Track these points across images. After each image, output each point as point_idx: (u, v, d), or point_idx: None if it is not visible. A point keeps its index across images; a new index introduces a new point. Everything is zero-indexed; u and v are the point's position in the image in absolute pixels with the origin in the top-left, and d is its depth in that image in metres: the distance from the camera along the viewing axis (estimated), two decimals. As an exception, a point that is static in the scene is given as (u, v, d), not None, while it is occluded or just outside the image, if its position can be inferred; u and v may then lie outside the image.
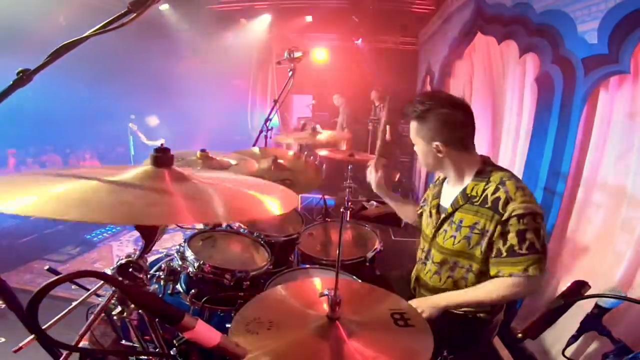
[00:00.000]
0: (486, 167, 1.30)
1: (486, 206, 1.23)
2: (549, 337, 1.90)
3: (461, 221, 1.29)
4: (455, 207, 1.31)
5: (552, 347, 1.90)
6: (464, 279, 1.31)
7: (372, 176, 1.71)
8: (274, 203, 0.79)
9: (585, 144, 1.90)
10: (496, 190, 1.23)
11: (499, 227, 1.20)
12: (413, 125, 1.33)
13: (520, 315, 2.16)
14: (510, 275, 1.19)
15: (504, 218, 1.19)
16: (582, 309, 0.96)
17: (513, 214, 1.17)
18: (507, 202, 1.19)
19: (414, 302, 1.29)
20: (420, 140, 1.34)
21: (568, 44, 1.95)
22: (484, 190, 1.26)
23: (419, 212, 1.63)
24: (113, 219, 0.61)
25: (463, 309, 1.33)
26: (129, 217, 0.63)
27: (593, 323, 0.94)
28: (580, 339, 0.97)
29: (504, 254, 1.20)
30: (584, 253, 1.89)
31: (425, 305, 1.28)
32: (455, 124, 1.28)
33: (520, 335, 0.99)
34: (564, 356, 1.00)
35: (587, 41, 1.80)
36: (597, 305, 0.94)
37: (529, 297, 2.13)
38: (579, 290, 1.00)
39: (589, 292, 0.99)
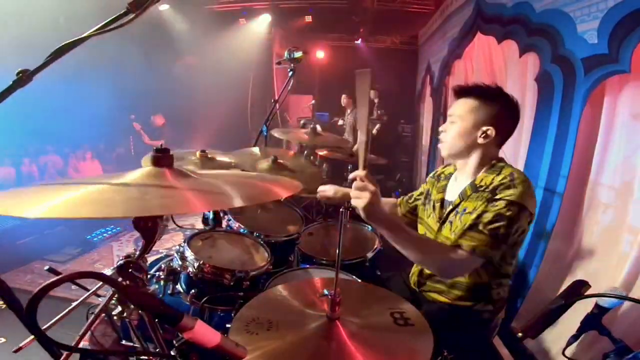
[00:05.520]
0: (499, 163, 1.30)
1: (487, 190, 1.22)
2: (549, 337, 1.90)
3: (465, 209, 1.28)
4: (463, 198, 1.31)
5: (552, 346, 1.90)
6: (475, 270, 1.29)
7: (329, 192, 1.67)
8: (279, 187, 0.81)
9: (586, 144, 1.90)
10: (503, 179, 1.22)
11: (484, 204, 1.18)
12: (471, 103, 1.28)
13: (521, 314, 2.16)
14: (456, 245, 1.16)
15: (495, 197, 1.17)
16: (582, 308, 0.96)
17: (505, 197, 1.15)
18: (507, 187, 1.17)
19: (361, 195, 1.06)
20: (468, 119, 1.28)
21: (568, 43, 1.95)
22: (492, 180, 1.24)
23: (411, 205, 1.63)
24: (125, 212, 0.63)
25: (468, 307, 1.32)
26: (140, 209, 0.65)
27: (593, 323, 0.94)
28: (581, 338, 0.97)
29: (467, 225, 1.17)
30: (586, 253, 1.90)
31: (374, 203, 1.04)
32: (511, 119, 1.28)
33: (520, 334, 0.99)
34: (564, 356, 1.00)
35: (587, 41, 1.80)
36: (597, 305, 0.94)
37: (533, 294, 2.13)
38: (578, 289, 1.00)
39: (588, 292, 0.99)
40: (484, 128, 1.26)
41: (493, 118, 1.25)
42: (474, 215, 1.19)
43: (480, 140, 1.27)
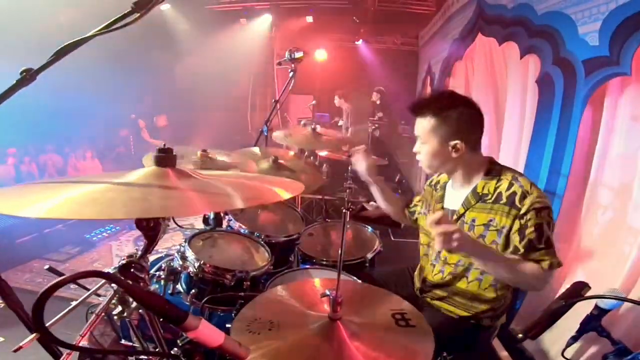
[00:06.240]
0: (494, 167, 1.30)
1: (501, 202, 1.22)
2: (549, 338, 1.90)
3: (474, 220, 1.27)
4: (467, 207, 1.30)
5: (551, 347, 1.90)
6: (478, 280, 1.31)
7: (360, 162, 1.59)
8: (281, 189, 0.81)
9: (586, 145, 1.90)
10: (510, 186, 1.22)
11: (516, 222, 1.19)
12: (429, 122, 1.27)
13: (520, 316, 2.16)
14: (542, 269, 1.18)
15: (522, 212, 1.18)
16: (582, 310, 0.97)
17: (532, 207, 1.17)
18: (524, 196, 1.19)
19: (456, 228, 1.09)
20: (433, 139, 1.28)
21: (569, 45, 1.96)
22: (496, 188, 1.25)
23: (414, 214, 1.62)
24: (128, 213, 0.62)
25: (468, 316, 1.33)
26: (143, 210, 0.64)
27: (592, 324, 0.95)
28: (580, 340, 0.97)
29: (521, 250, 1.18)
30: (586, 254, 1.90)
31: (463, 238, 1.07)
32: (474, 123, 1.28)
33: (520, 335, 1.00)
34: (564, 357, 1.00)
35: (588, 43, 1.80)
36: (596, 307, 0.94)
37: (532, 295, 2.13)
38: (578, 291, 1.00)
39: (588, 293, 0.99)
40: (452, 143, 1.26)
41: (456, 131, 1.25)
42: (516, 238, 1.19)
43: (453, 155, 1.28)
